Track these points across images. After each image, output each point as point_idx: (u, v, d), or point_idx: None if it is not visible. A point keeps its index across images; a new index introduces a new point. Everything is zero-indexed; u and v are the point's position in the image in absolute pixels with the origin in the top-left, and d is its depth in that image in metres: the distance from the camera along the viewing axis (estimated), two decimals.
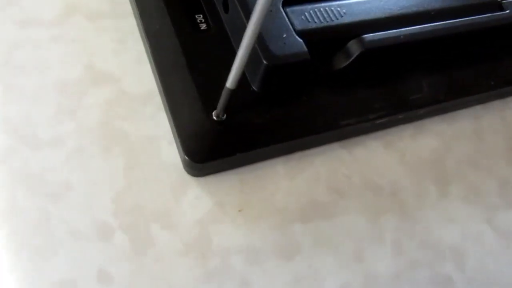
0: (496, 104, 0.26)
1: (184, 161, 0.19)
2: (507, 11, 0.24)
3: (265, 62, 0.19)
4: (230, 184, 0.20)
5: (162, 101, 0.20)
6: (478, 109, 0.25)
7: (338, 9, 0.21)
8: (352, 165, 0.22)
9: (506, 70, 0.24)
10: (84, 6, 0.23)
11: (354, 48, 0.21)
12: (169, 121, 0.20)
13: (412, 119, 0.23)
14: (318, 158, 0.21)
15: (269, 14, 0.20)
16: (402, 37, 0.21)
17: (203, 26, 0.21)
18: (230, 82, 0.17)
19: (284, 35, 0.20)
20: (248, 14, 0.20)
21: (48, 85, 0.21)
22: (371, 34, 0.21)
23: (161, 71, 0.20)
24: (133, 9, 0.23)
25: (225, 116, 0.19)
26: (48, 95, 0.20)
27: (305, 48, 0.19)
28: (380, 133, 0.23)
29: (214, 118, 0.19)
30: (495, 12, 0.24)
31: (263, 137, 0.19)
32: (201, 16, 0.22)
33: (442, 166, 0.23)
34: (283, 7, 0.21)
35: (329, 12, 0.21)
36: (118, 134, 0.20)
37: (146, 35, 0.21)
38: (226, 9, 0.21)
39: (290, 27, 0.20)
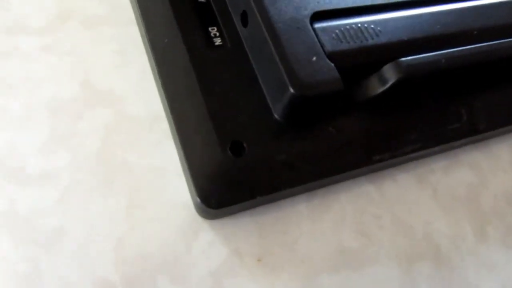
0: None
1: (196, 204, 0.16)
2: None
3: (292, 90, 0.16)
4: (248, 228, 0.17)
5: (170, 128, 0.18)
6: None
7: (373, 26, 0.19)
8: (381, 203, 0.19)
9: None
10: (80, 10, 0.20)
11: (390, 73, 0.18)
12: (178, 152, 0.17)
13: (445, 149, 0.21)
14: (344, 195, 0.19)
15: (296, 31, 0.17)
16: (444, 60, 0.19)
17: (218, 41, 0.19)
18: None
19: (314, 58, 0.17)
20: (270, 28, 0.17)
21: (38, 106, 0.18)
22: (409, 58, 0.18)
23: (170, 95, 0.17)
24: (136, 17, 0.20)
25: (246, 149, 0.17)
26: (38, 119, 0.18)
27: (337, 74, 0.17)
28: (410, 165, 0.21)
29: (230, 153, 0.16)
30: None
31: (286, 177, 0.17)
32: (216, 29, 0.19)
33: (478, 204, 0.21)
34: (311, 23, 0.18)
35: (363, 30, 0.18)
36: (119, 166, 0.17)
37: (152, 50, 0.18)
38: (244, 22, 0.19)
39: (320, 48, 0.17)
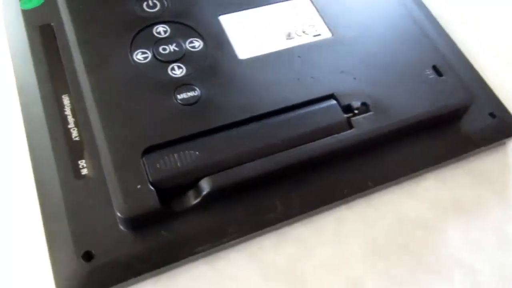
0: (359, 204, 0.29)
1: None
2: (354, 129, 0.27)
3: (118, 214, 0.23)
4: None
5: None
6: (341, 210, 0.29)
7: (192, 151, 0.25)
8: (215, 280, 0.26)
9: (357, 178, 0.28)
10: None
11: (202, 188, 0.25)
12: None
13: (273, 229, 0.27)
14: (184, 276, 0.25)
15: (129, 164, 0.24)
16: (246, 171, 0.25)
17: (84, 172, 0.26)
18: None
19: (139, 186, 0.24)
20: (108, 163, 0.24)
21: None
22: (218, 174, 0.25)
23: (45, 217, 0.25)
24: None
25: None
26: None
27: (156, 198, 0.24)
28: (243, 245, 0.27)
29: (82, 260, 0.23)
30: (344, 131, 0.27)
31: (125, 272, 0.24)
32: (84, 161, 0.26)
33: (300, 273, 0.26)
34: (143, 155, 0.25)
35: (183, 157, 0.25)
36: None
37: (36, 183, 0.26)
38: None
39: (146, 177, 0.24)
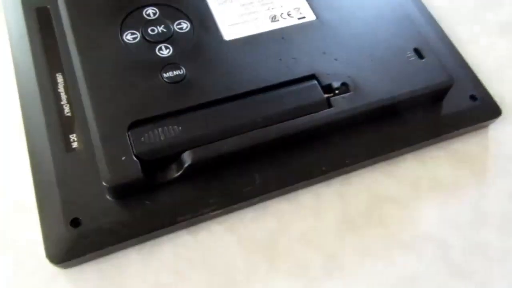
0: (337, 181, 0.30)
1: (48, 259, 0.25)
2: (332, 108, 0.28)
3: (104, 183, 0.25)
4: (92, 276, 0.26)
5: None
6: (320, 186, 0.30)
7: (175, 126, 0.27)
8: (195, 249, 0.27)
9: (335, 156, 0.29)
10: None
11: (183, 161, 0.26)
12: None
13: (253, 203, 0.28)
14: (167, 245, 0.27)
15: (115, 137, 0.26)
16: (226, 146, 0.26)
17: (75, 145, 0.27)
18: None
19: (123, 158, 0.25)
20: (96, 136, 0.26)
21: None
22: (199, 148, 0.26)
23: (37, 185, 0.26)
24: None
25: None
26: None
27: (139, 168, 0.25)
28: (224, 218, 0.28)
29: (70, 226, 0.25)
30: (323, 110, 0.28)
31: (114, 237, 0.25)
32: (75, 135, 0.28)
33: (276, 245, 0.28)
34: (128, 129, 0.26)
35: (166, 131, 0.26)
36: None
37: (29, 154, 0.27)
38: None
39: (130, 149, 0.26)
